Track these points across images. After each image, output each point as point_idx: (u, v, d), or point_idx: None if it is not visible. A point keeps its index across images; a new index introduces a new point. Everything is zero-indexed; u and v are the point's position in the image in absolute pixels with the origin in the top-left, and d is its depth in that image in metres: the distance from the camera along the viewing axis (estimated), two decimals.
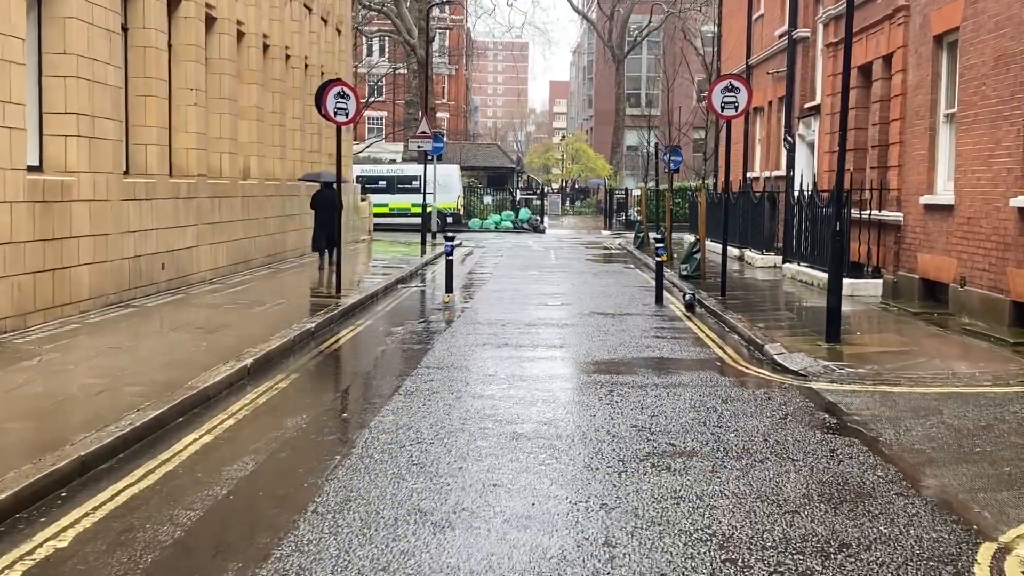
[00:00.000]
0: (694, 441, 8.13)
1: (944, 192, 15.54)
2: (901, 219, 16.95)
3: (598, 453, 7.74)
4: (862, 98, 19.17)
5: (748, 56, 28.61)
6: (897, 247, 17.14)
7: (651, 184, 42.51)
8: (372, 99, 67.45)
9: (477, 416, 8.95)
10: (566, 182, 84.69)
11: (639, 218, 39.13)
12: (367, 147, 63.96)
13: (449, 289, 17.94)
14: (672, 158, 30.62)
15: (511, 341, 13.39)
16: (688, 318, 15.91)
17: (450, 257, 18.04)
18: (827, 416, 9.16)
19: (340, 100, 17.30)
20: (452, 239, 18.59)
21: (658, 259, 18.32)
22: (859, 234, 17.57)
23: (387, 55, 73.38)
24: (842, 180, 12.31)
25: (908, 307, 15.71)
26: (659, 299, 17.84)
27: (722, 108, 17.41)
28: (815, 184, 20.58)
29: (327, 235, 20.76)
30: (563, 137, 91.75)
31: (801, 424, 8.83)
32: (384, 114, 77.88)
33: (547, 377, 10.97)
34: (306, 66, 26.55)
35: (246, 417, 9.01)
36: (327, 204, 20.92)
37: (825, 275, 18.60)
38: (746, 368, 11.62)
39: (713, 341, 13.58)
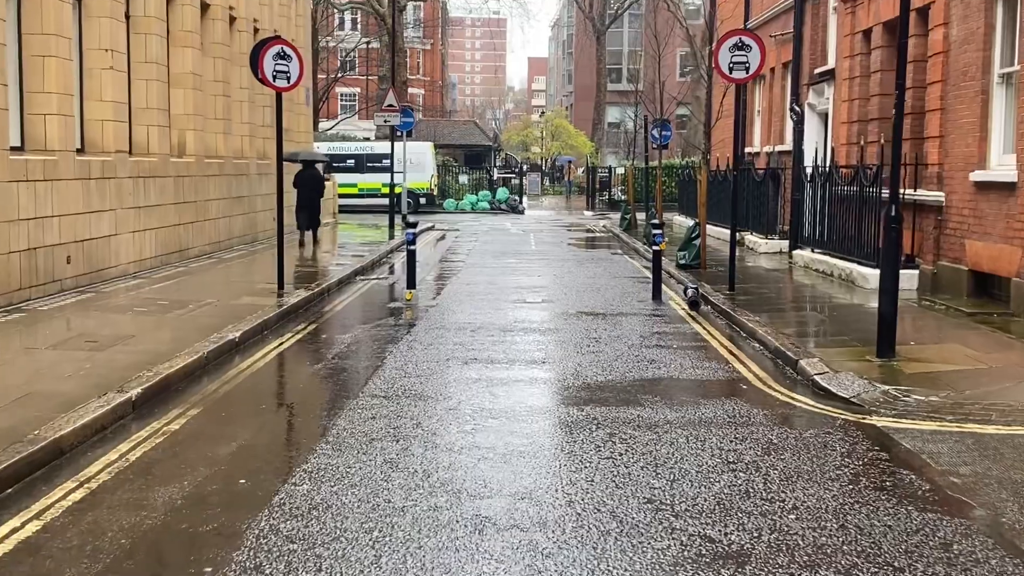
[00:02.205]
0: (739, 530, 5.57)
1: (1001, 167, 12.96)
2: (943, 199, 14.38)
3: (602, 559, 5.17)
4: (887, 59, 16.60)
5: (747, 18, 25.97)
6: (938, 232, 14.57)
7: (637, 162, 39.89)
8: (343, 74, 64.49)
9: (427, 484, 6.37)
10: (546, 160, 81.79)
11: (624, 198, 36.57)
12: (336, 124, 61.25)
13: (411, 285, 15.28)
14: (662, 132, 28.37)
15: (482, 354, 10.80)
16: (693, 319, 13.40)
17: (412, 247, 15.29)
18: (913, 477, 6.61)
19: (280, 62, 14.62)
20: (414, 225, 15.88)
21: (655, 248, 15.71)
22: None
23: (360, 28, 70.42)
24: (899, 153, 9.64)
25: (956, 304, 13.15)
26: (657, 294, 15.30)
27: (730, 70, 14.85)
28: (833, 159, 18.00)
29: (308, 215, 22.40)
30: (542, 114, 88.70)
31: (882, 492, 6.28)
32: (357, 90, 75.00)
33: (526, 412, 8.37)
34: (256, 30, 23.71)
35: (104, 485, 6.41)
36: (308, 183, 22.29)
37: (847, 264, 16.16)
38: (780, 394, 9.08)
39: (730, 352, 11.05)
